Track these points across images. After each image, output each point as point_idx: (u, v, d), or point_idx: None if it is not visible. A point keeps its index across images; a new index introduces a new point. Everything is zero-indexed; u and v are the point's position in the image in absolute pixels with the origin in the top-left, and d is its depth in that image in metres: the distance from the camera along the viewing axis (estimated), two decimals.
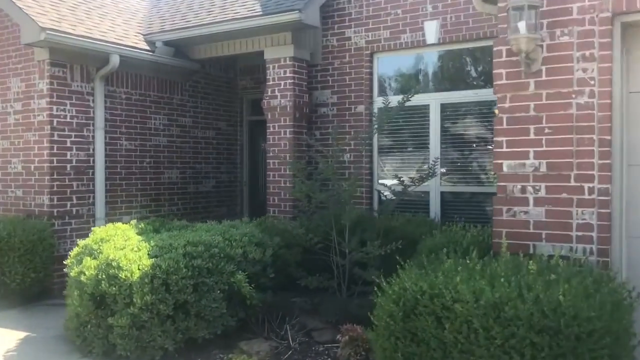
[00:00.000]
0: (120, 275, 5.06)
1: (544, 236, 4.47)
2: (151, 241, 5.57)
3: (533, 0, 4.35)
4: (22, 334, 6.05)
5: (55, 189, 7.80)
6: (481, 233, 5.66)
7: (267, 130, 8.32)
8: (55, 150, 7.80)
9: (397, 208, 7.43)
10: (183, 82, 9.64)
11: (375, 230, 6.45)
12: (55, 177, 7.80)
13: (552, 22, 4.46)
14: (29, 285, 7.31)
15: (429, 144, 7.75)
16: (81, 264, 5.43)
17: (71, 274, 5.56)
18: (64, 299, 6.06)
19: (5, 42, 8.29)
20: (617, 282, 3.95)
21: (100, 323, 5.22)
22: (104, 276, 5.14)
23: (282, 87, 8.17)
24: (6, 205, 8.26)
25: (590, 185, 4.34)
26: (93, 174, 8.26)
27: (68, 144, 7.95)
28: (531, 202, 4.54)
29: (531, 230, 4.51)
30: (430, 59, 7.92)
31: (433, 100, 7.74)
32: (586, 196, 4.35)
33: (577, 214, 4.37)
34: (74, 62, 7.98)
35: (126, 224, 6.44)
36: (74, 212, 8.03)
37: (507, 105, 4.64)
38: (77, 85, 8.06)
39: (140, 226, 6.30)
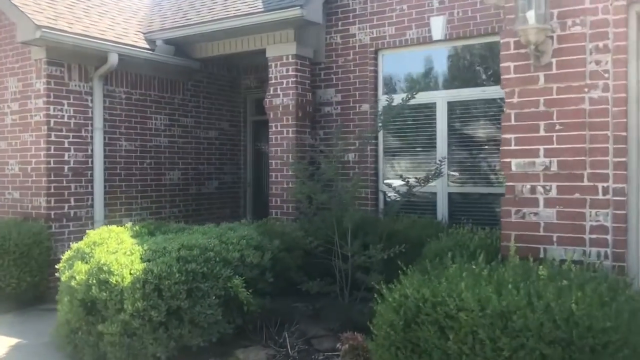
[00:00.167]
0: (111, 280, 4.85)
1: (555, 239, 4.21)
2: (144, 244, 5.36)
3: None
4: (13, 340, 5.87)
5: (52, 190, 7.62)
6: (489, 236, 5.42)
7: (269, 130, 8.10)
8: (52, 151, 7.62)
9: (403, 209, 7.19)
10: (185, 81, 9.45)
11: (379, 232, 6.21)
12: (52, 178, 7.62)
13: (563, 11, 4.20)
14: (24, 289, 7.13)
15: (435, 143, 7.50)
16: (72, 269, 5.22)
17: (62, 278, 5.36)
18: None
19: (2, 41, 8.14)
20: (635, 288, 3.68)
21: (90, 330, 5.02)
22: (94, 281, 4.93)
23: (284, 85, 7.95)
24: (3, 208, 8.10)
25: (605, 184, 4.08)
26: (91, 175, 8.07)
27: (66, 145, 7.77)
28: (541, 203, 4.29)
29: (541, 233, 4.26)
30: (436, 56, 7.66)
31: (440, 99, 7.49)
32: (600, 196, 4.09)
33: (590, 215, 4.11)
34: (71, 61, 7.80)
35: (121, 226, 6.24)
36: (72, 215, 7.85)
37: (515, 100, 4.38)
38: (75, 85, 7.89)
39: (135, 229, 6.09)
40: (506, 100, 4.46)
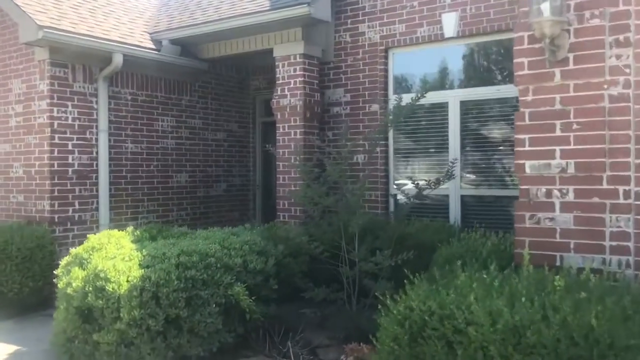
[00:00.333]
0: (107, 287, 4.68)
1: (572, 246, 3.95)
2: (144, 250, 5.18)
3: None
4: (12, 348, 5.72)
5: (56, 194, 7.49)
6: (502, 241, 5.17)
7: (277, 131, 7.90)
8: (56, 154, 7.48)
9: (415, 213, 6.95)
10: (192, 82, 9.28)
11: (389, 237, 5.97)
12: (56, 181, 7.49)
13: (581, 3, 3.94)
14: (27, 295, 7.00)
15: (448, 144, 7.24)
16: (69, 275, 5.06)
17: (59, 285, 5.20)
18: None
19: (6, 42, 8.03)
20: None
21: (87, 339, 4.84)
22: (90, 288, 4.76)
23: (291, 85, 7.75)
24: (8, 211, 7.99)
25: (626, 188, 3.81)
26: (96, 178, 7.93)
27: (70, 147, 7.63)
28: (557, 207, 4.03)
29: (558, 240, 4.00)
30: (448, 54, 7.40)
31: (452, 98, 7.23)
32: (621, 200, 3.82)
33: (610, 220, 3.85)
34: (75, 61, 7.67)
35: (122, 230, 6.07)
36: (76, 218, 7.71)
37: (529, 98, 4.13)
38: (79, 86, 7.75)
39: (136, 233, 5.92)
40: (520, 99, 4.21)
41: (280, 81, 7.84)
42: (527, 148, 4.16)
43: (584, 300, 3.10)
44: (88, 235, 6.09)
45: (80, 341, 4.89)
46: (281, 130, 7.83)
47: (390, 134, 7.59)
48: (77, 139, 7.72)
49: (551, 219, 4.04)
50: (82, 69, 7.76)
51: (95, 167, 7.92)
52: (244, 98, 10.20)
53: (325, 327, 5.60)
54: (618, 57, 3.83)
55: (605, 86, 3.86)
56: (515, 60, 4.21)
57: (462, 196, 7.16)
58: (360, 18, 7.80)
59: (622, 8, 3.82)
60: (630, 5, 3.79)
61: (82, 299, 4.80)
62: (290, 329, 5.48)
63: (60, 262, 6.39)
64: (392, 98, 7.46)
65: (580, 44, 3.94)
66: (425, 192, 6.10)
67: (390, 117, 6.22)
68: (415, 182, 5.98)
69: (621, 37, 3.82)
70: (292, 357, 5.04)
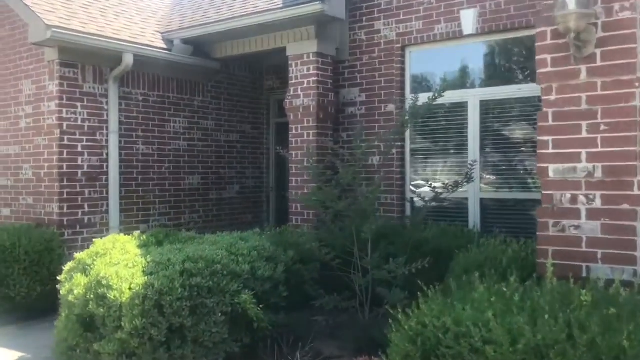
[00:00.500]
0: (109, 295, 4.49)
1: (599, 256, 3.67)
2: (148, 256, 4.99)
3: None
4: (15, 354, 5.59)
5: (65, 196, 7.36)
6: (524, 248, 4.90)
7: (290, 133, 7.69)
8: (65, 156, 7.36)
9: (432, 216, 6.70)
10: (205, 82, 9.12)
11: (404, 243, 5.73)
12: (65, 183, 7.36)
13: None
14: (35, 299, 6.87)
15: (467, 145, 6.97)
16: (71, 281, 4.89)
17: (61, 292, 5.04)
18: None
19: (17, 42, 7.93)
20: None
21: (89, 348, 4.66)
22: (92, 296, 4.58)
23: (305, 85, 7.53)
24: (18, 214, 7.89)
25: None
26: (106, 180, 7.79)
27: (79, 149, 7.50)
28: (584, 214, 3.75)
29: (584, 249, 3.72)
30: (467, 52, 7.12)
31: (471, 97, 6.96)
32: None
33: None
34: (85, 62, 7.53)
35: (129, 235, 5.90)
36: (86, 221, 7.58)
37: (553, 97, 3.86)
38: (89, 87, 7.62)
39: (142, 238, 5.74)
40: (543, 98, 3.94)
41: (293, 81, 7.64)
42: (550, 151, 3.89)
43: (613, 318, 2.83)
44: (94, 240, 5.94)
45: (81, 350, 4.71)
46: (294, 131, 7.61)
47: (407, 134, 7.34)
48: (87, 140, 7.58)
49: (577, 227, 3.76)
50: (92, 70, 7.63)
51: (105, 169, 7.78)
52: (258, 98, 10.01)
53: (336, 336, 5.36)
54: None
55: (637, 84, 3.57)
56: (537, 57, 3.94)
57: (482, 199, 6.89)
58: (376, 15, 7.56)
59: None
60: None
61: (84, 307, 4.63)
62: (299, 338, 5.24)
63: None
64: (409, 98, 7.20)
65: (609, 39, 3.66)
66: (443, 196, 5.85)
67: (407, 117, 5.97)
68: (433, 185, 5.71)
69: None
70: None
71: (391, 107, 7.37)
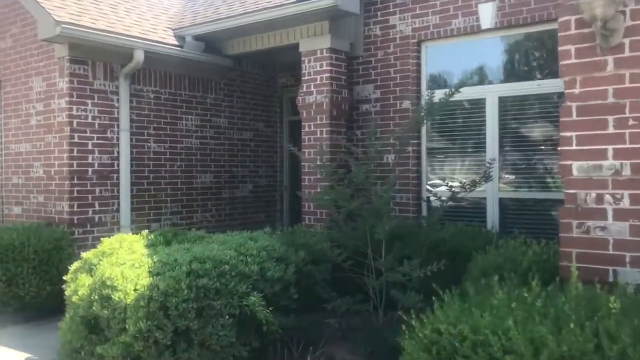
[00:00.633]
0: (113, 296, 4.36)
1: (628, 259, 3.45)
2: (155, 256, 4.85)
3: None
4: (21, 355, 5.48)
5: (75, 194, 7.26)
6: (545, 250, 4.67)
7: (302, 130, 7.52)
8: (75, 153, 7.26)
9: (449, 216, 6.49)
10: (217, 80, 8.98)
11: (419, 243, 5.52)
12: (75, 182, 7.26)
13: None
14: (44, 298, 6.78)
15: (485, 143, 6.74)
16: (76, 282, 4.77)
17: (66, 292, 4.92)
18: None
19: (27, 39, 7.86)
20: None
21: (93, 351, 4.53)
22: (96, 297, 4.46)
23: (318, 82, 7.36)
24: (29, 212, 7.82)
25: None
26: (117, 178, 7.68)
27: (89, 147, 7.40)
28: (610, 214, 3.53)
29: (611, 252, 3.50)
30: (486, 47, 6.89)
31: (490, 94, 6.74)
32: None
33: None
34: (96, 58, 7.43)
35: (137, 234, 5.77)
36: (97, 220, 7.47)
37: (577, 91, 3.64)
38: (100, 84, 7.51)
39: (150, 237, 5.60)
40: (566, 91, 3.72)
41: (306, 77, 7.46)
42: (574, 147, 3.67)
43: None
44: (102, 239, 5.82)
45: (86, 353, 4.59)
46: (307, 129, 7.44)
47: (423, 132, 7.14)
48: (98, 138, 7.48)
49: (603, 228, 3.54)
50: (103, 66, 7.52)
51: (116, 167, 7.67)
52: (271, 96, 9.86)
53: (348, 340, 5.18)
54: None
55: None
56: (560, 48, 3.72)
57: (501, 199, 6.66)
58: (391, 10, 7.36)
59: None
60: None
61: (88, 308, 4.50)
62: (310, 341, 5.07)
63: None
64: (425, 94, 6.99)
65: (639, 28, 3.43)
66: (460, 195, 5.64)
67: (423, 113, 5.76)
68: (450, 184, 5.51)
69: None
70: None
71: (407, 104, 7.17)
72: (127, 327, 4.26)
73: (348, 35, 7.53)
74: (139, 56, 7.49)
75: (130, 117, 7.80)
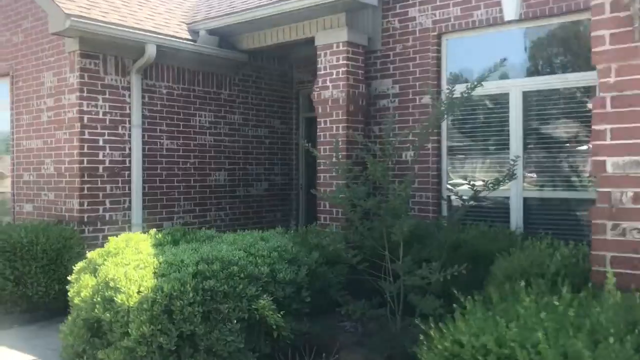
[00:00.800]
0: (116, 298, 4.17)
1: None
2: (161, 256, 4.65)
3: None
4: (26, 357, 5.33)
5: (85, 192, 7.10)
6: (574, 253, 4.37)
7: (318, 127, 7.28)
8: (85, 150, 7.10)
9: (470, 217, 6.21)
10: (232, 75, 8.77)
11: (439, 245, 5.24)
12: (85, 179, 7.10)
13: None
14: (53, 298, 6.63)
15: (508, 139, 6.44)
16: (79, 282, 4.58)
17: (69, 293, 4.73)
18: None
19: (39, 34, 7.73)
20: None
21: (95, 355, 4.34)
22: (99, 299, 4.26)
23: (334, 76, 7.10)
24: (40, 210, 7.69)
25: None
26: (129, 176, 7.51)
27: (100, 143, 7.24)
28: None
29: None
30: (509, 39, 6.58)
31: (513, 88, 6.43)
32: None
33: None
34: (107, 53, 7.26)
35: (145, 233, 5.58)
36: (107, 218, 7.31)
37: (612, 80, 3.34)
38: (111, 79, 7.34)
39: (157, 237, 5.41)
40: (599, 81, 3.43)
41: (322, 72, 7.22)
42: (608, 142, 3.37)
43: None
44: (109, 237, 5.64)
45: (88, 357, 4.40)
46: (322, 125, 7.20)
47: (444, 128, 6.86)
48: (109, 134, 7.31)
49: None
50: (114, 61, 7.35)
51: (127, 164, 7.50)
52: (287, 92, 9.63)
53: (364, 345, 4.91)
54: None
55: None
56: (593, 34, 3.42)
57: (525, 198, 6.35)
58: (410, 2, 7.08)
59: None
60: None
61: (90, 311, 4.31)
62: (324, 347, 4.83)
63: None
64: (445, 89, 6.71)
65: None
66: (482, 194, 5.34)
67: (443, 108, 5.48)
68: (472, 183, 5.21)
69: None
70: None
71: (426, 99, 6.87)
72: (129, 331, 4.05)
73: (365, 28, 7.26)
74: (151, 50, 7.31)
75: (142, 113, 7.62)
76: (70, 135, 7.16)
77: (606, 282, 2.99)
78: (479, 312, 2.86)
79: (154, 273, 4.37)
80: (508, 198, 6.41)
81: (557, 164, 6.27)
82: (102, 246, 6.70)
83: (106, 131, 7.28)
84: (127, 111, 7.49)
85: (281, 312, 4.49)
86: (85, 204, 7.11)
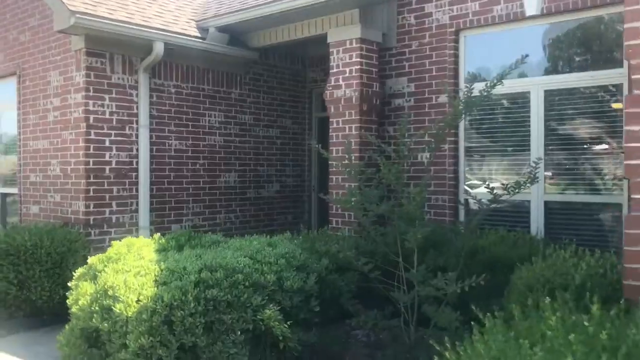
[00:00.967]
0: (114, 307, 3.96)
1: None
2: (163, 263, 4.43)
3: None
4: None
5: (91, 194, 6.93)
6: (601, 263, 4.09)
7: (330, 127, 7.03)
8: (91, 151, 6.92)
9: (488, 221, 5.92)
10: (242, 74, 8.56)
11: (456, 252, 4.97)
12: (91, 180, 6.92)
13: None
14: (57, 302, 6.44)
15: (529, 140, 6.14)
16: (77, 290, 4.38)
17: (68, 301, 4.54)
18: None
19: (46, 32, 7.58)
20: None
21: None
22: (97, 307, 4.06)
23: (347, 74, 6.85)
24: (46, 212, 7.54)
25: None
26: (136, 177, 7.32)
27: (107, 144, 7.05)
28: None
29: None
30: (530, 36, 6.28)
31: (535, 86, 6.13)
32: None
33: None
34: (114, 51, 7.08)
35: (152, 236, 5.37)
36: (114, 220, 7.13)
37: None
38: (118, 78, 7.16)
39: (161, 242, 5.20)
40: (632, 77, 3.14)
41: (334, 70, 6.97)
42: None
43: None
44: (113, 242, 5.45)
45: None
46: (334, 125, 6.95)
47: (461, 129, 6.58)
48: (116, 134, 7.13)
49: None
50: (121, 59, 7.17)
51: (135, 166, 7.31)
52: (299, 91, 9.39)
53: (375, 357, 4.67)
54: None
55: None
56: (626, 26, 3.14)
57: (547, 202, 6.05)
58: None
59: None
60: None
61: (88, 320, 4.12)
62: (334, 358, 4.59)
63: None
64: (463, 87, 6.42)
65: None
66: (502, 198, 5.06)
67: (460, 107, 5.20)
68: (491, 186, 4.93)
69: None
70: None
71: (443, 98, 6.60)
72: (127, 342, 3.84)
73: (380, 24, 7.00)
74: (159, 48, 7.11)
75: (150, 113, 7.43)
76: (76, 135, 6.98)
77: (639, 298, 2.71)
78: (499, 331, 2.59)
79: (155, 281, 4.16)
80: (528, 202, 6.12)
81: (580, 165, 5.97)
82: None
83: (113, 131, 7.10)
84: (135, 111, 7.30)
85: (288, 322, 4.27)
86: (91, 206, 6.93)
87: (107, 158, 7.05)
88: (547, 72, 6.20)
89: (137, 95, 7.31)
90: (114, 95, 7.10)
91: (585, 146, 5.98)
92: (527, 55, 5.06)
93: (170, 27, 7.48)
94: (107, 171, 7.06)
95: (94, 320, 4.05)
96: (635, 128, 3.07)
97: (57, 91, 7.34)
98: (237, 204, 8.55)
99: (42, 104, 7.61)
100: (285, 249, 4.85)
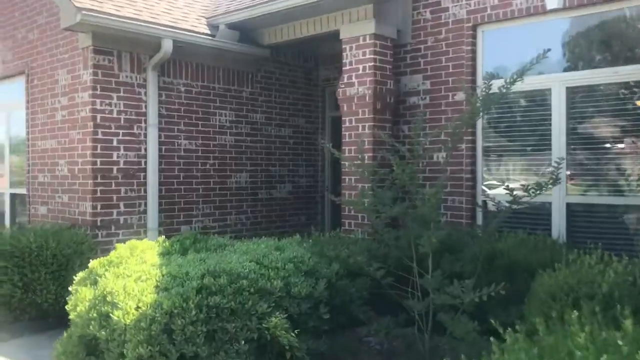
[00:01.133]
0: (113, 314, 3.78)
1: None
2: (165, 268, 4.25)
3: None
4: None
5: (99, 194, 6.77)
6: (630, 270, 3.84)
7: (342, 126, 6.81)
8: (99, 151, 6.77)
9: (507, 224, 5.67)
10: (254, 72, 8.37)
11: (473, 257, 4.73)
12: (99, 181, 6.77)
13: None
14: (64, 305, 6.24)
15: (550, 139, 5.87)
16: (76, 295, 4.21)
17: (67, 306, 4.37)
18: None
19: (53, 30, 7.46)
20: None
21: None
22: (94, 314, 3.88)
23: (360, 72, 6.63)
24: (54, 213, 7.41)
25: None
26: (145, 177, 7.16)
27: (115, 143, 6.90)
28: None
29: None
30: (551, 30, 6.01)
31: (556, 83, 5.86)
32: None
33: None
34: (121, 49, 6.92)
35: (153, 240, 5.20)
36: (122, 222, 6.97)
37: None
38: (126, 76, 7.00)
39: (165, 245, 5.02)
40: None
41: (347, 67, 6.75)
42: None
43: None
44: (116, 244, 5.28)
45: None
46: (347, 124, 6.73)
47: (479, 127, 6.33)
48: (123, 134, 6.97)
49: None
50: (130, 57, 7.01)
51: (143, 166, 7.15)
52: (312, 90, 9.18)
53: None
54: None
55: None
56: None
57: (568, 204, 5.77)
58: None
59: None
60: None
61: (86, 327, 3.94)
62: None
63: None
64: (481, 84, 6.16)
65: None
66: (523, 199, 4.81)
67: (478, 105, 4.95)
68: (510, 187, 4.68)
69: None
70: None
71: (460, 96, 6.35)
72: (125, 352, 3.66)
73: (394, 20, 6.77)
74: (167, 46, 6.94)
75: (159, 112, 7.26)
76: (84, 135, 6.84)
77: None
78: (521, 349, 2.35)
79: (156, 287, 3.97)
80: (549, 203, 5.85)
81: (604, 166, 5.69)
82: None
83: (121, 131, 6.95)
84: (143, 110, 7.14)
85: (296, 330, 4.05)
86: (99, 207, 6.78)
87: (114, 158, 6.90)
88: (569, 68, 5.94)
89: (145, 93, 7.15)
90: (121, 94, 6.94)
91: (610, 145, 5.70)
92: (549, 50, 4.79)
93: (180, 24, 7.32)
94: (115, 171, 6.91)
95: (91, 327, 3.87)
96: None
97: (64, 90, 7.21)
98: (248, 205, 8.36)
99: (50, 103, 7.49)
100: (293, 253, 4.64)
